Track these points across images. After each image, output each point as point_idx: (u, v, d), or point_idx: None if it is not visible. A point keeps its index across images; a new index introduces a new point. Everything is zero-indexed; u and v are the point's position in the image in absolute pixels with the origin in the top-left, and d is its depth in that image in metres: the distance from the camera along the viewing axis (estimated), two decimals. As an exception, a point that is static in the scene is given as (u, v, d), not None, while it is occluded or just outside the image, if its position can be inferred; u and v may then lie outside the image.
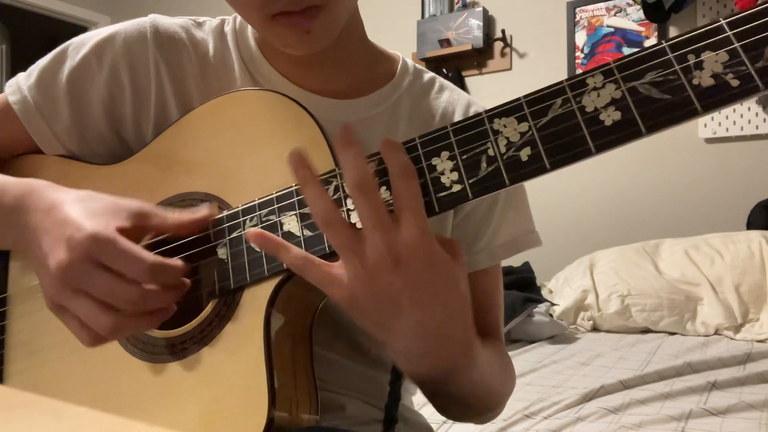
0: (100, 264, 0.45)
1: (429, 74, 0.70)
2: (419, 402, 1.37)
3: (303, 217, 0.49)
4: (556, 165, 0.42)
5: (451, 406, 0.59)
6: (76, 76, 0.61)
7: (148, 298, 0.46)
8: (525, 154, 0.43)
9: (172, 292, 0.48)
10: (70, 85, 0.62)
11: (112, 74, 0.61)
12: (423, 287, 0.43)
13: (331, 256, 0.48)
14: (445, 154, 0.45)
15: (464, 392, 0.54)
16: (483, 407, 0.61)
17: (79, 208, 0.48)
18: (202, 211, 0.53)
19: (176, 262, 0.48)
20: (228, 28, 0.66)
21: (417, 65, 0.70)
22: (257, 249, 0.50)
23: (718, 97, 0.38)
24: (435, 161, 0.46)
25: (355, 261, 0.43)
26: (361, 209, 0.42)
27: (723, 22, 0.38)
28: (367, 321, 0.46)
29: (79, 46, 0.63)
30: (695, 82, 0.39)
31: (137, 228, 0.50)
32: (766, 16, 0.37)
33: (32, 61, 0.64)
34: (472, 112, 0.68)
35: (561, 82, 0.43)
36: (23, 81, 0.63)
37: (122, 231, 0.47)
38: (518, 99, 0.44)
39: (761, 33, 0.37)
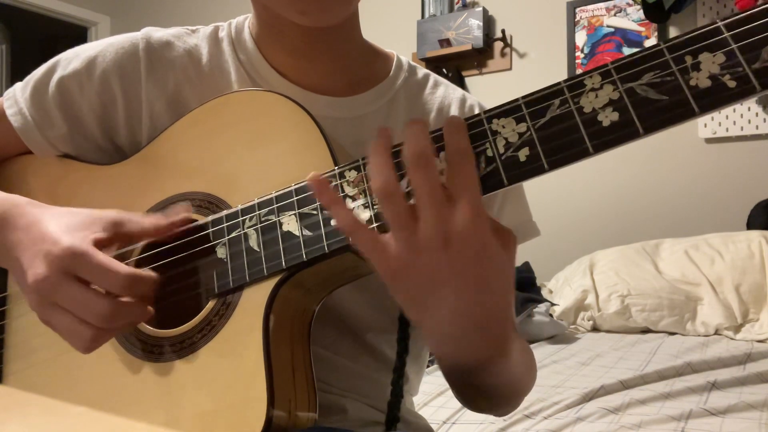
0: (76, 277, 0.46)
1: (423, 71, 0.71)
2: (419, 403, 1.37)
3: (302, 217, 0.49)
4: (555, 165, 0.42)
5: (475, 396, 0.58)
6: (66, 86, 0.62)
7: (119, 312, 0.47)
8: (523, 154, 0.43)
9: (146, 302, 0.50)
10: (60, 95, 0.62)
11: (103, 85, 0.62)
12: (468, 274, 0.42)
13: (330, 256, 0.48)
14: (444, 154, 0.45)
15: (492, 384, 0.53)
16: (505, 401, 0.60)
17: (56, 224, 0.50)
18: (177, 212, 0.53)
19: (150, 273, 0.49)
20: (223, 33, 0.66)
21: (411, 62, 0.71)
22: (312, 193, 0.47)
23: (714, 98, 0.38)
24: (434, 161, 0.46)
25: (406, 235, 0.42)
26: (418, 183, 0.41)
27: (720, 23, 0.38)
28: (404, 297, 0.45)
29: (72, 57, 0.63)
30: (692, 83, 0.39)
31: (116, 237, 0.51)
32: (763, 18, 0.37)
33: (32, 61, 0.65)
34: (467, 107, 0.69)
35: (559, 83, 0.43)
36: (20, 93, 0.64)
37: (99, 243, 0.48)
38: (516, 100, 0.44)
39: (758, 35, 0.37)
